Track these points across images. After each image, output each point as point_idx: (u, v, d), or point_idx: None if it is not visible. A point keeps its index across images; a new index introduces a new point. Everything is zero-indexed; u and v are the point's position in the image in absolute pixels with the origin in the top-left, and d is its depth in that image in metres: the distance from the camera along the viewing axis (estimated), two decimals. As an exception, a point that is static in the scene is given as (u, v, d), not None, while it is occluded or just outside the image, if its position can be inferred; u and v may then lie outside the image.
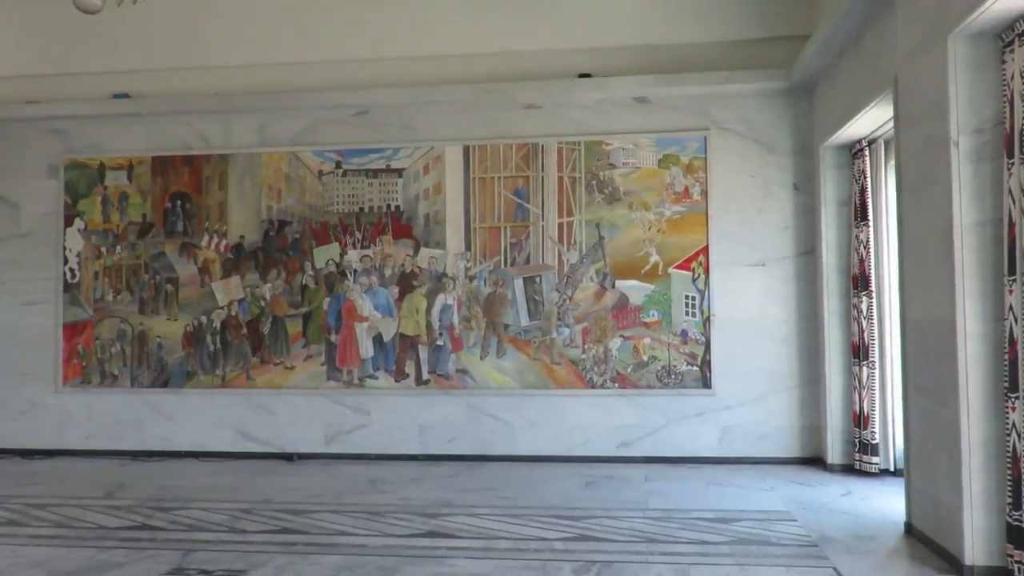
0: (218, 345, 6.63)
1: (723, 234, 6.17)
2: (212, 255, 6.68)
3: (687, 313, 6.18)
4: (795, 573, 3.62)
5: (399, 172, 6.54)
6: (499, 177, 6.44)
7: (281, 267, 6.62)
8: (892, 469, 5.44)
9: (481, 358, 6.38)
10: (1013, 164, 3.30)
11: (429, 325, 6.43)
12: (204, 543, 4.15)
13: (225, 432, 6.59)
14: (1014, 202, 3.28)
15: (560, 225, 6.35)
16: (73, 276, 6.80)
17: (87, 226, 6.82)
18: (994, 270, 3.51)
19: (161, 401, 6.67)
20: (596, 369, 6.25)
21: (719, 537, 4.18)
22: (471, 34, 6.42)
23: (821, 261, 5.88)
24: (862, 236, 5.46)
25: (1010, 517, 3.35)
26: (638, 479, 5.61)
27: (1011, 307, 3.33)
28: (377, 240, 6.54)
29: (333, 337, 6.52)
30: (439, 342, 6.42)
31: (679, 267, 6.20)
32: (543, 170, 6.39)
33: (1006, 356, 3.38)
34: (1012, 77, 3.34)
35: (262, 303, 6.61)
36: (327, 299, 6.55)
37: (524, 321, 6.35)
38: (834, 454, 5.77)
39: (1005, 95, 3.42)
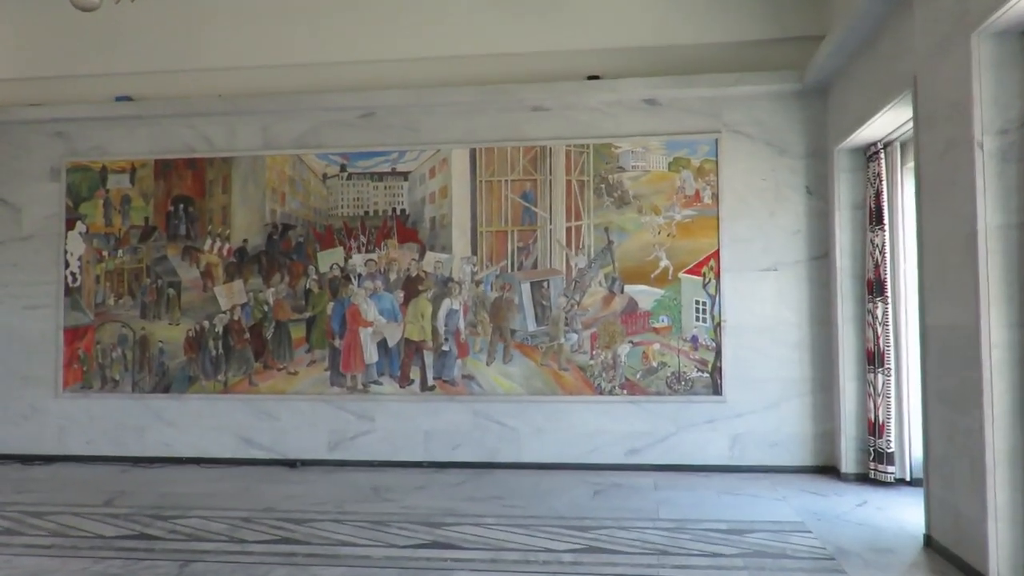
0: (220, 350, 6.54)
1: (734, 238, 6.06)
2: (215, 259, 6.59)
3: (697, 319, 6.07)
4: (813, 588, 3.51)
5: (404, 175, 6.45)
6: (506, 180, 6.34)
7: (285, 271, 6.53)
8: (908, 479, 5.32)
9: (487, 364, 6.28)
10: (1040, 165, 3.19)
11: (435, 330, 6.34)
12: (203, 554, 4.05)
13: (227, 438, 6.50)
14: (1041, 204, 3.17)
15: (568, 229, 6.25)
16: (74, 280, 6.72)
17: (89, 229, 6.74)
18: (1020, 275, 3.40)
19: (163, 406, 6.58)
20: (605, 375, 6.14)
21: (732, 549, 4.06)
22: (477, 35, 6.33)
23: (835, 266, 5.77)
24: (877, 240, 5.34)
25: (1037, 531, 3.23)
26: (647, 488, 5.49)
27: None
28: (382, 244, 6.45)
29: (337, 342, 6.43)
30: (445, 347, 6.32)
31: (689, 272, 6.09)
32: (551, 173, 6.29)
33: (1033, 364, 3.27)
34: (1039, 75, 3.23)
35: (265, 308, 6.52)
36: (331, 304, 6.46)
37: (531, 326, 6.25)
38: (848, 463, 5.64)
39: (1031, 94, 3.31)
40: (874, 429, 5.40)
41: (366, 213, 6.48)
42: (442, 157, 6.40)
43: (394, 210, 6.45)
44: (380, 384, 6.38)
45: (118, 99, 6.66)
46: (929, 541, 4.07)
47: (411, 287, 6.39)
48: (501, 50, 6.33)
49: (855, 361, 5.65)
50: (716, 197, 6.09)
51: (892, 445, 5.31)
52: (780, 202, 6.05)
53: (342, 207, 6.51)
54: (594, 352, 6.16)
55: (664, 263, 6.12)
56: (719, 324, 6.04)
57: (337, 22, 6.47)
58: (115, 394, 6.64)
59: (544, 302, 6.25)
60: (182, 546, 4.19)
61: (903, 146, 5.31)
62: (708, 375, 6.05)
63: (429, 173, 6.42)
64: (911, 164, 5.10)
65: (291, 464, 6.38)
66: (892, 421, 5.31)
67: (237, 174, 6.60)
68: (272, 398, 6.47)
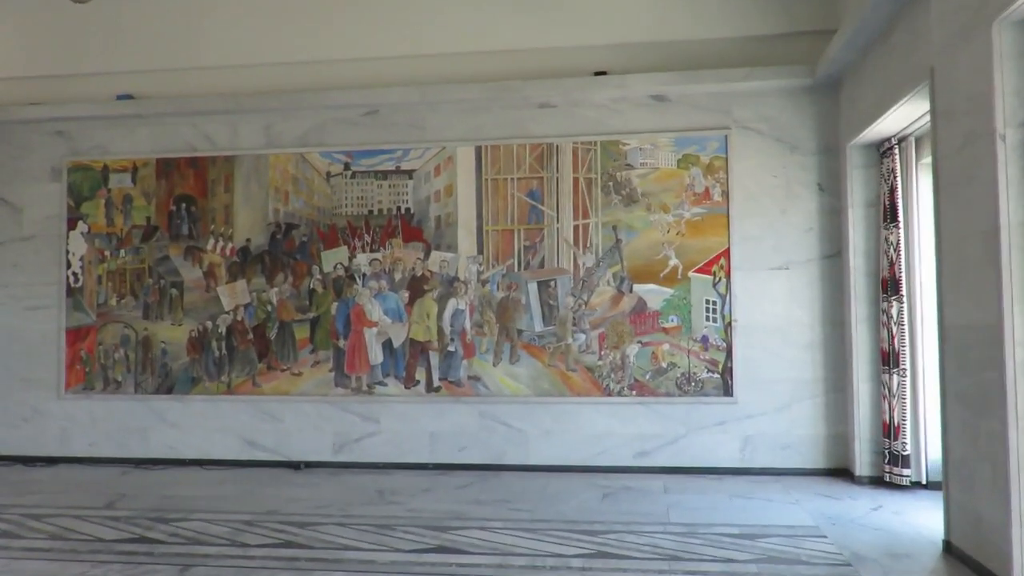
0: (224, 351, 6.47)
1: (745, 236, 5.95)
2: (217, 259, 6.52)
3: (708, 318, 5.97)
4: (830, 595, 3.41)
5: (409, 173, 6.37)
6: (512, 178, 6.25)
7: (288, 271, 6.45)
8: (924, 482, 5.21)
9: (494, 364, 6.18)
10: (1066, 157, 3.08)
11: (440, 330, 6.24)
12: (203, 558, 3.97)
13: (231, 440, 6.42)
14: (1067, 198, 3.06)
15: (576, 227, 6.15)
16: (76, 280, 6.65)
17: (90, 229, 6.67)
18: (1044, 272, 3.29)
19: (165, 408, 6.51)
20: (613, 376, 6.04)
21: (745, 555, 3.96)
22: (483, 31, 6.24)
23: (848, 264, 5.65)
24: (892, 238, 5.23)
25: (1064, 537, 3.12)
26: (657, 491, 5.39)
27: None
28: (387, 243, 6.36)
29: (341, 343, 6.35)
30: (450, 348, 6.23)
31: (699, 271, 5.99)
32: (558, 171, 6.19)
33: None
34: (1064, 64, 3.12)
35: (269, 308, 6.44)
36: (335, 304, 6.38)
37: (538, 326, 6.15)
38: (862, 465, 5.53)
39: (1056, 84, 3.20)
40: (889, 431, 5.28)
41: (370, 212, 6.39)
42: (447, 155, 6.31)
43: (399, 209, 6.37)
44: (385, 385, 6.29)
45: (119, 98, 6.59)
46: (949, 547, 3.96)
47: (416, 287, 6.30)
48: (506, 46, 6.23)
49: (869, 362, 5.54)
50: (726, 194, 5.98)
51: (908, 447, 5.20)
52: (791, 199, 5.94)
53: (346, 206, 6.43)
54: (602, 352, 6.06)
55: (673, 262, 6.02)
56: (730, 324, 5.93)
57: (340, 19, 6.39)
58: (117, 395, 6.57)
59: (551, 302, 6.15)
60: (183, 550, 4.11)
61: (918, 141, 5.19)
62: (718, 376, 5.94)
63: (434, 171, 6.34)
64: (927, 159, 4.99)
65: (295, 466, 6.30)
66: (908, 423, 5.19)
67: (240, 173, 6.53)
68: (276, 399, 6.39)
